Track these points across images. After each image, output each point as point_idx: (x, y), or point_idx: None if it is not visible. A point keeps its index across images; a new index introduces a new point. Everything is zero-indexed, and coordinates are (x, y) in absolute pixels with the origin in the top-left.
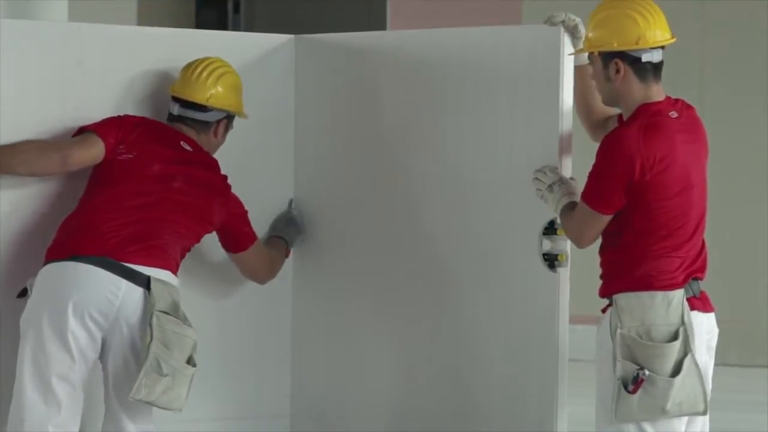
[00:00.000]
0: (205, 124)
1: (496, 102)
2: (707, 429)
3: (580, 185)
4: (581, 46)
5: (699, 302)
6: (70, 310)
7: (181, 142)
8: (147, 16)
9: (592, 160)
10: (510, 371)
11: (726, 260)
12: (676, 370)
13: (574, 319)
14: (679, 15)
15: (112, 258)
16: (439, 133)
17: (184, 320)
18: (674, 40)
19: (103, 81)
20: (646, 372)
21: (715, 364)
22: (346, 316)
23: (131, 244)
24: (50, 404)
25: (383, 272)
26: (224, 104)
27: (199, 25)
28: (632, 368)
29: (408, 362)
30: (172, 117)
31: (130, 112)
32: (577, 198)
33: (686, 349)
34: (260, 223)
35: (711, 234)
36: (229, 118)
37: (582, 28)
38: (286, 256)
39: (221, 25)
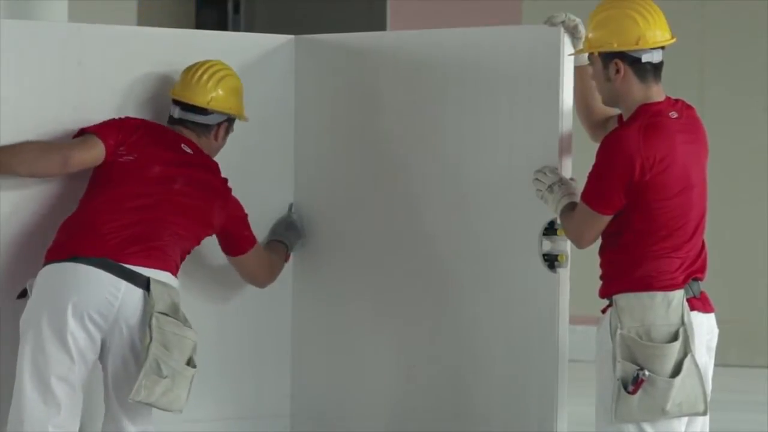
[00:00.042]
0: (206, 127)
1: (496, 102)
2: (707, 429)
3: (580, 185)
4: (581, 46)
5: (699, 303)
6: (69, 311)
7: (182, 145)
8: (147, 17)
9: (592, 160)
10: (510, 371)
11: (726, 260)
12: (676, 371)
13: (574, 320)
14: (679, 15)
15: (111, 259)
16: (439, 133)
17: (184, 321)
18: (674, 40)
19: (103, 81)
20: (646, 372)
21: (715, 365)
22: (346, 315)
23: (131, 246)
24: (50, 405)
25: (383, 272)
26: (225, 107)
27: (199, 25)
28: (632, 369)
29: (408, 362)
30: (172, 120)
31: (130, 113)
32: (577, 198)
33: (686, 350)
34: (260, 226)
35: (711, 234)
36: (230, 121)
37: (582, 29)
38: (286, 260)
39: (221, 25)
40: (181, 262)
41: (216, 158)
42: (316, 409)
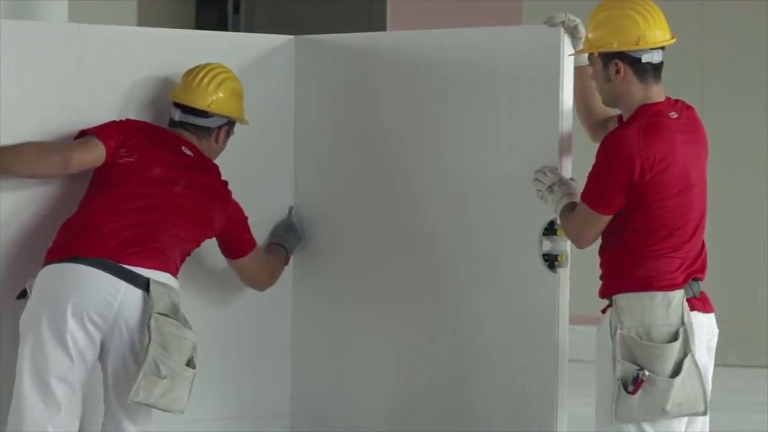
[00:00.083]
0: (206, 130)
1: (496, 102)
2: (707, 429)
3: (580, 185)
4: (581, 46)
5: (699, 303)
6: (69, 312)
7: (182, 147)
8: (147, 17)
9: (592, 160)
10: (510, 371)
11: (726, 260)
12: (676, 371)
13: (574, 320)
14: (679, 15)
15: (111, 260)
16: (439, 133)
17: (184, 322)
18: (674, 40)
19: (103, 81)
20: (646, 372)
21: (715, 365)
22: (346, 316)
23: (131, 246)
24: (49, 405)
25: (383, 272)
26: (225, 110)
27: (199, 25)
28: (632, 369)
29: (408, 362)
30: (173, 122)
31: (131, 112)
32: (577, 198)
33: (686, 350)
34: (260, 229)
35: (711, 234)
36: (230, 124)
37: (582, 29)
38: (286, 263)
39: (221, 25)
40: (181, 264)
41: (216, 160)
42: (316, 409)
